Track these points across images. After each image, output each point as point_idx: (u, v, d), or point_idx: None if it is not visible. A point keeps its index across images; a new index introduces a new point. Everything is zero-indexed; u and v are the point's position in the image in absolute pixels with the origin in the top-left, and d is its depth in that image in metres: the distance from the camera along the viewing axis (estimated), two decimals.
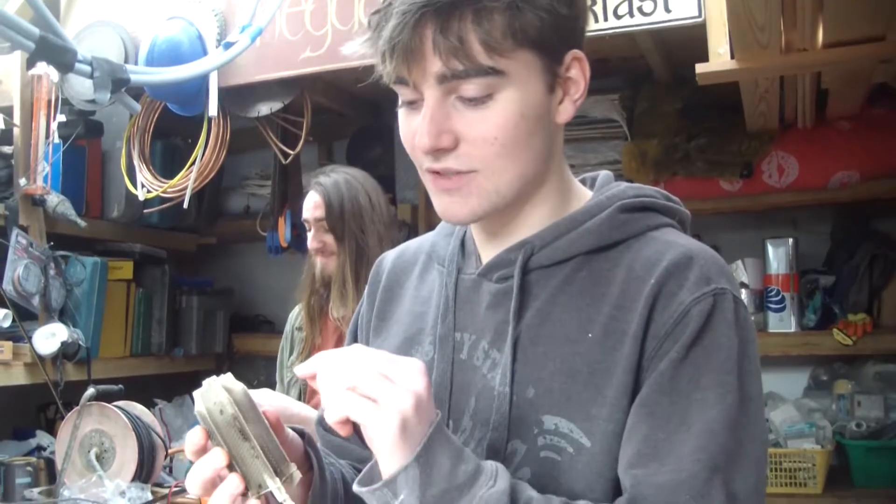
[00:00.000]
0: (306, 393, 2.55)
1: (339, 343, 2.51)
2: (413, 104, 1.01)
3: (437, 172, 1.01)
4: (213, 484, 0.93)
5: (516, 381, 1.01)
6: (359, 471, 1.18)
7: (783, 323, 3.08)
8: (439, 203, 1.04)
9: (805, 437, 2.99)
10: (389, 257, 1.27)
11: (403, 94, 1.01)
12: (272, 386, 2.72)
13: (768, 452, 2.92)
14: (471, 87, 0.96)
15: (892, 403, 3.08)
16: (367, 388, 0.87)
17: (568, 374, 0.99)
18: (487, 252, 1.10)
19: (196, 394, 0.94)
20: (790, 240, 3.11)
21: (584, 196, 1.10)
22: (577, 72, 1.02)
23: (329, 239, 2.52)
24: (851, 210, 3.20)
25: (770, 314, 3.10)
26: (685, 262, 0.99)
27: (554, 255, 1.04)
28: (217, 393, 0.93)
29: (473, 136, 0.98)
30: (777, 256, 3.11)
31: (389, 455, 0.88)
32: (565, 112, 1.03)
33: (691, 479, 0.91)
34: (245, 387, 0.95)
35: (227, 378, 0.95)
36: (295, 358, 2.65)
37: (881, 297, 3.06)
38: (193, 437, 0.94)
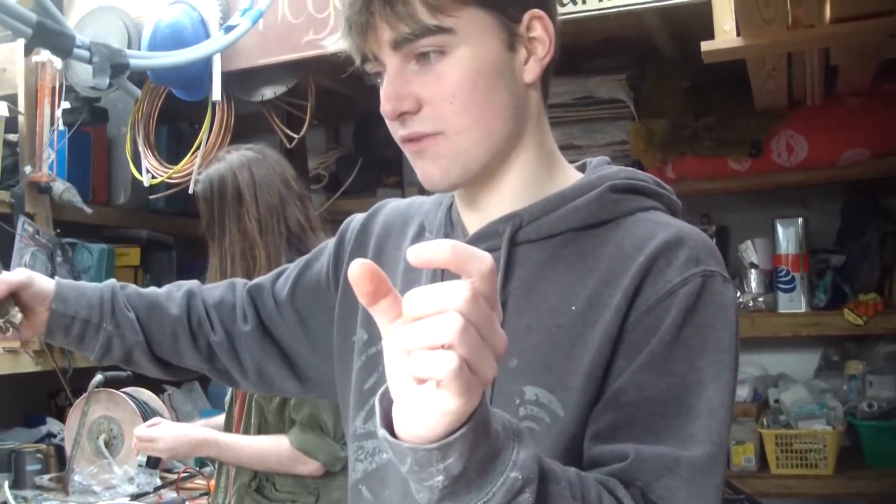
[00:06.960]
0: None
1: None
2: (381, 77, 1.04)
3: (409, 140, 1.03)
4: None
5: None
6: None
7: (793, 303, 3.05)
8: (417, 170, 1.06)
9: (816, 418, 2.97)
10: (388, 207, 1.27)
11: (370, 68, 1.04)
12: None
13: (779, 434, 2.96)
14: (421, 47, 0.99)
15: None
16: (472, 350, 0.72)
17: (550, 346, 0.99)
18: (471, 222, 1.10)
19: None
20: (800, 219, 3.08)
21: (571, 174, 1.11)
22: (541, 31, 1.04)
23: None
24: (862, 188, 3.16)
25: (780, 294, 3.07)
26: (675, 241, 0.99)
27: (542, 229, 1.05)
28: None
29: (431, 95, 1.00)
30: (787, 236, 3.08)
31: (458, 411, 0.71)
32: (532, 71, 1.05)
33: (699, 457, 0.92)
34: None
35: None
36: None
37: (892, 275, 3.02)
38: None
